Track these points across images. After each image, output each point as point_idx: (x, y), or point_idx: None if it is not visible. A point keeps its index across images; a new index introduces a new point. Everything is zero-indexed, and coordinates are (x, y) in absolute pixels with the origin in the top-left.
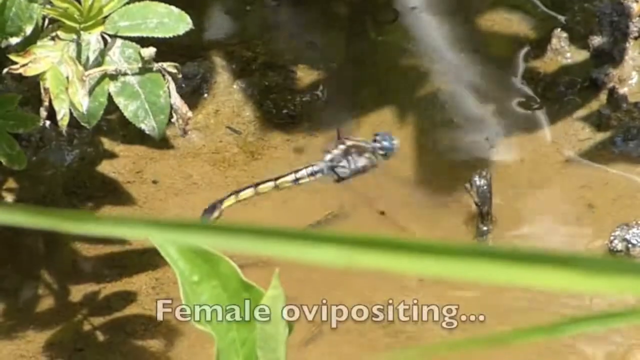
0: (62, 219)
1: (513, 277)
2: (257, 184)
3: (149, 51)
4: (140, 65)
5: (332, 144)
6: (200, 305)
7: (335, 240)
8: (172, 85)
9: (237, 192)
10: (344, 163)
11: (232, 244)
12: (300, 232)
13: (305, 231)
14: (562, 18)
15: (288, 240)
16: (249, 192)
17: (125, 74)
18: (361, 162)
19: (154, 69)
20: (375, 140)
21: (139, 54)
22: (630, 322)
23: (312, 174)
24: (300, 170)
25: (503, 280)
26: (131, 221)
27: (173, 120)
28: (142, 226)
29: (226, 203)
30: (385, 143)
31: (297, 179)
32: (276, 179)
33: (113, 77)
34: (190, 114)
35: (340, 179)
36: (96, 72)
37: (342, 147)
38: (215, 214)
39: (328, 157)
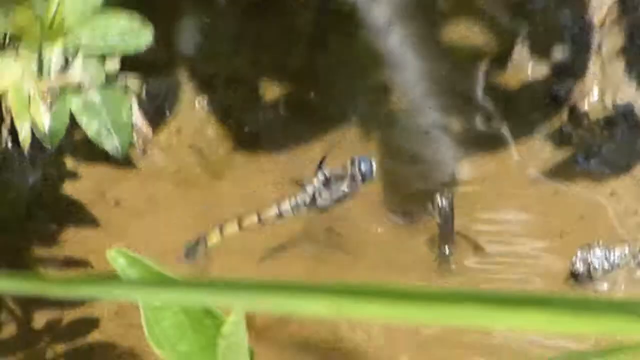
0: (46, 283)
1: (496, 320)
2: (241, 218)
3: (113, 64)
4: (103, 80)
5: (311, 175)
6: (162, 331)
7: (324, 291)
8: (135, 103)
9: (220, 226)
10: (325, 194)
11: (218, 299)
12: (287, 283)
13: (292, 282)
14: (523, 30)
15: (276, 294)
16: (233, 227)
17: (87, 91)
18: (342, 190)
19: (117, 85)
20: (352, 165)
21: (102, 68)
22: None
23: (296, 206)
24: (284, 203)
25: (487, 324)
26: (118, 282)
27: (133, 140)
28: (127, 287)
29: (211, 239)
30: (364, 168)
31: (280, 213)
32: (260, 213)
33: (75, 93)
34: (151, 133)
35: (323, 210)
36: (58, 83)
37: (321, 177)
38: (199, 251)
39: (309, 189)
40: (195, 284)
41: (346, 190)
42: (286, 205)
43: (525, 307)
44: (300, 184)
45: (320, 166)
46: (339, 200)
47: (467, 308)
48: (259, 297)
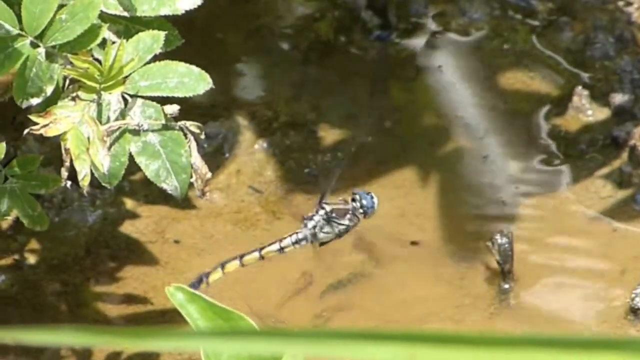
0: (118, 336)
1: None
2: (242, 256)
3: (172, 108)
4: (162, 123)
5: (312, 211)
6: None
7: (396, 339)
8: (194, 145)
9: (222, 264)
10: (326, 228)
11: (291, 348)
12: (359, 331)
13: (362, 331)
14: (583, 76)
15: (348, 342)
16: (234, 264)
17: (146, 133)
18: (343, 224)
19: (176, 128)
20: (354, 200)
21: (162, 111)
22: None
23: (297, 241)
24: (285, 239)
25: None
26: (184, 335)
27: (192, 180)
28: (192, 339)
29: (213, 276)
30: (365, 202)
31: (282, 248)
32: (261, 249)
33: (134, 135)
34: (209, 175)
35: (323, 244)
36: (117, 125)
37: (322, 212)
38: (202, 286)
39: (310, 224)
40: (255, 332)
41: (348, 224)
42: (287, 241)
43: (592, 351)
44: (302, 219)
45: (320, 202)
46: (341, 234)
47: (538, 353)
48: (324, 345)
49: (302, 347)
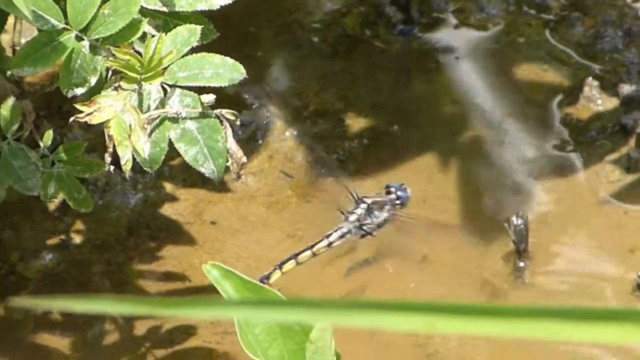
0: (155, 305)
1: (579, 335)
2: (297, 255)
3: (209, 97)
4: (199, 111)
5: (352, 205)
6: (254, 337)
7: (416, 308)
8: (229, 131)
9: (280, 265)
10: (368, 220)
11: (319, 317)
12: (382, 301)
13: (385, 301)
14: (594, 68)
15: (373, 311)
16: (291, 264)
17: (184, 120)
18: (383, 215)
19: (212, 115)
20: (389, 192)
21: (199, 100)
22: None
23: (342, 235)
24: (331, 234)
25: (565, 337)
26: (217, 303)
27: (228, 164)
28: (225, 307)
29: (272, 278)
30: (400, 193)
31: (330, 243)
32: (312, 246)
33: (173, 122)
34: (244, 159)
35: (366, 235)
36: (157, 113)
37: (363, 205)
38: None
39: (353, 217)
40: (285, 302)
41: (387, 215)
42: (334, 236)
43: (601, 321)
44: (344, 214)
45: (357, 197)
46: (382, 225)
47: (547, 323)
48: (350, 314)
49: (330, 317)
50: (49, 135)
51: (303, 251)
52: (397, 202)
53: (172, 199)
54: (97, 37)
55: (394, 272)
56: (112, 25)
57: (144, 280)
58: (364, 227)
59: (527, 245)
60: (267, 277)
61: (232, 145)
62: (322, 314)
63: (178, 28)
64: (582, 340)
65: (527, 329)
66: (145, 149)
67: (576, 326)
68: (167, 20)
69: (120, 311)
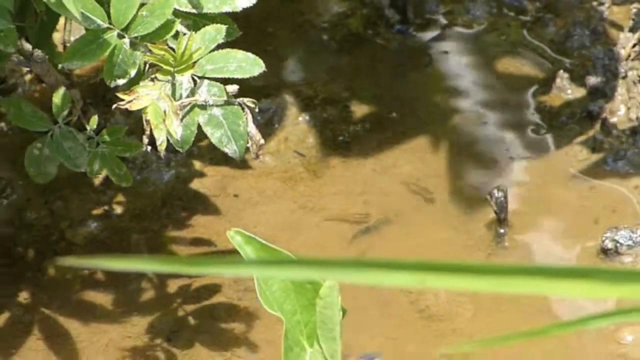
0: (184, 264)
1: (551, 289)
2: None
3: (232, 87)
4: (224, 99)
5: None
6: (271, 294)
7: (410, 267)
8: (250, 117)
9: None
10: None
11: (328, 275)
12: (381, 261)
13: (384, 260)
14: (564, 62)
15: (371, 269)
16: None
17: (211, 107)
18: None
19: (235, 103)
20: None
21: (224, 90)
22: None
23: None
24: None
25: (542, 292)
26: (238, 263)
27: (249, 145)
28: (245, 266)
29: None
30: None
31: None
32: None
33: (202, 109)
34: (262, 141)
35: None
36: (187, 101)
37: None
38: None
39: None
40: (298, 262)
41: None
42: None
43: (572, 278)
44: None
45: None
46: None
47: (523, 280)
48: (354, 272)
49: (336, 274)
50: (94, 120)
51: None
52: None
53: (200, 175)
54: (136, 35)
55: (392, 238)
56: (149, 25)
57: (175, 245)
58: None
59: (507, 214)
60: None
61: (252, 128)
62: (330, 273)
63: (206, 27)
64: (554, 294)
65: (506, 284)
66: (177, 131)
67: (549, 282)
68: (197, 21)
69: (154, 270)
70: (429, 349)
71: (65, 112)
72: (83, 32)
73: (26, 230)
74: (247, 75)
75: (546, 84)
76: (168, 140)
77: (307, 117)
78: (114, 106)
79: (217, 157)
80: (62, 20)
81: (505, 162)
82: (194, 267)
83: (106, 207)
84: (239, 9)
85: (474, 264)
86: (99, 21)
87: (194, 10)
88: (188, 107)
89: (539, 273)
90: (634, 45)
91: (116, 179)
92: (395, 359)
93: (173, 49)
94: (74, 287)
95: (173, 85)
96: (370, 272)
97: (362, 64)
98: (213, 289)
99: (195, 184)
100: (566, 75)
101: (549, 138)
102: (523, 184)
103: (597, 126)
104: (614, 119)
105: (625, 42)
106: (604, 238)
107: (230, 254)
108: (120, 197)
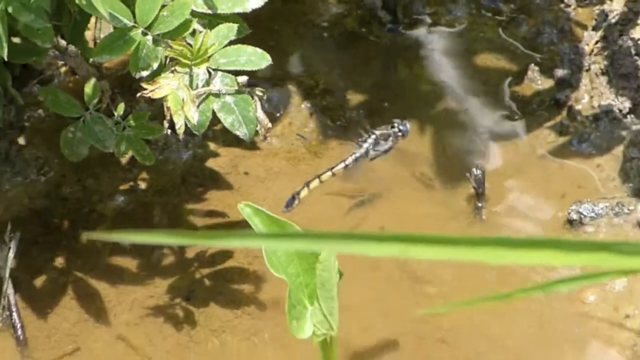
0: (195, 238)
1: (520, 259)
2: (319, 175)
3: (243, 78)
4: (235, 89)
5: (363, 136)
6: (277, 259)
7: (394, 239)
8: (258, 104)
9: (307, 183)
10: (377, 147)
11: (325, 246)
12: (370, 235)
13: (369, 234)
14: (535, 57)
15: (359, 241)
16: (315, 182)
17: (224, 96)
18: (388, 144)
19: (246, 92)
20: (393, 127)
21: (235, 81)
22: (594, 282)
23: (356, 159)
24: (347, 159)
25: (512, 261)
26: (247, 236)
27: (257, 129)
28: (254, 239)
29: (302, 193)
30: (402, 127)
31: (346, 165)
32: (331, 168)
33: (216, 97)
34: (269, 125)
35: (373, 158)
36: (203, 90)
37: (373, 136)
38: (296, 202)
39: (365, 145)
40: (299, 234)
41: (391, 144)
42: (349, 160)
43: (536, 248)
44: (357, 143)
45: (370, 130)
46: (386, 151)
47: (494, 250)
48: (346, 244)
49: (332, 245)
50: (121, 107)
51: (325, 172)
52: (399, 134)
53: (215, 155)
54: (158, 32)
55: (383, 210)
56: (169, 23)
57: (193, 217)
58: (371, 153)
59: (484, 190)
60: (298, 193)
61: (260, 114)
62: (326, 244)
63: (219, 26)
64: (524, 263)
65: (481, 254)
66: (194, 117)
67: (519, 252)
68: (212, 20)
69: (172, 243)
70: (412, 308)
71: (96, 100)
72: (111, 30)
73: (61, 203)
74: (255, 68)
75: (519, 76)
76: (186, 125)
77: (308, 105)
78: (138, 95)
79: (229, 139)
80: (93, 20)
81: (484, 144)
82: (207, 240)
83: (132, 183)
84: (249, 9)
85: (449, 237)
86: (125, 20)
87: (209, 11)
88: (204, 96)
89: (510, 244)
90: (597, 42)
91: (140, 158)
92: (379, 315)
93: (190, 45)
94: (104, 254)
95: (190, 76)
96: (360, 244)
97: (357, 58)
98: (226, 254)
99: (210, 163)
100: (537, 68)
101: (522, 123)
102: (499, 163)
103: (564, 113)
104: (578, 107)
105: (588, 39)
106: (569, 211)
107: (241, 224)
108: (144, 175)
